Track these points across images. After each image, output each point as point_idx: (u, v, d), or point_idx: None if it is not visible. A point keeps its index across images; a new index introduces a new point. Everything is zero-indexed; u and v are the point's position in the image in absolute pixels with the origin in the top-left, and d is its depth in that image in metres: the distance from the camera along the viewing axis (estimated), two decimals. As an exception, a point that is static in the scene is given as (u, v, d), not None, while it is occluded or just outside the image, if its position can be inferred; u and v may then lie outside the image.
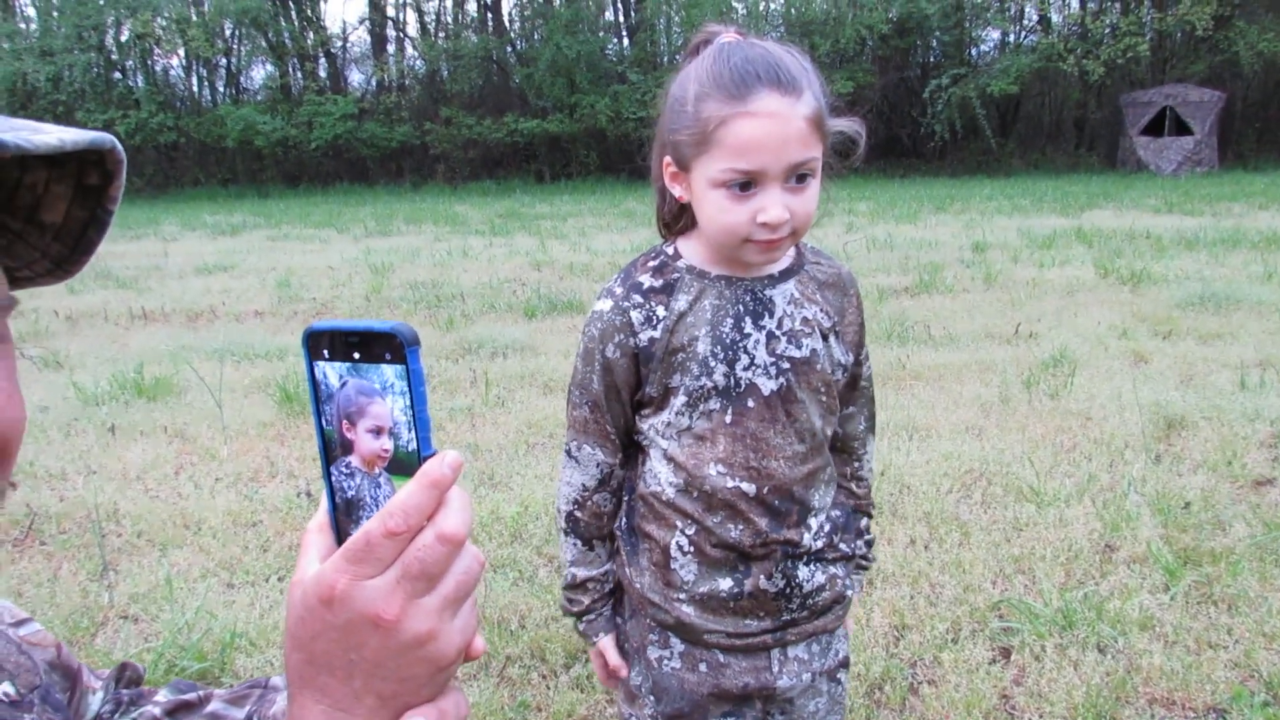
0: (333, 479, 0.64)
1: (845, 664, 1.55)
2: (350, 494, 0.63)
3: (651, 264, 1.39)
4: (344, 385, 0.61)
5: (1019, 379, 4.98)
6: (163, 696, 0.93)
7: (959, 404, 4.67)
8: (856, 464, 1.53)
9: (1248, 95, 27.65)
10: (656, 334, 1.33)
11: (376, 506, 0.62)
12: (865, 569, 1.54)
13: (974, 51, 29.63)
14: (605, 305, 1.36)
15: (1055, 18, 29.01)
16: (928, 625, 2.65)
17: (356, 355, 0.60)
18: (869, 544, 1.54)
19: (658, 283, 1.36)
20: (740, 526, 1.36)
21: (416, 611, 0.59)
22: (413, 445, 0.61)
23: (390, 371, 0.59)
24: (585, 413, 1.39)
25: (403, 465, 0.61)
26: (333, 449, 0.63)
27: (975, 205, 15.65)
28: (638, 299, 1.35)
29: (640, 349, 1.33)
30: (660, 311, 1.34)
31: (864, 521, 1.54)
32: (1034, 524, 3.26)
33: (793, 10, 26.76)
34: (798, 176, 1.24)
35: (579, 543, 1.47)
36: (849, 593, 1.51)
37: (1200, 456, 3.83)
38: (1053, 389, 4.77)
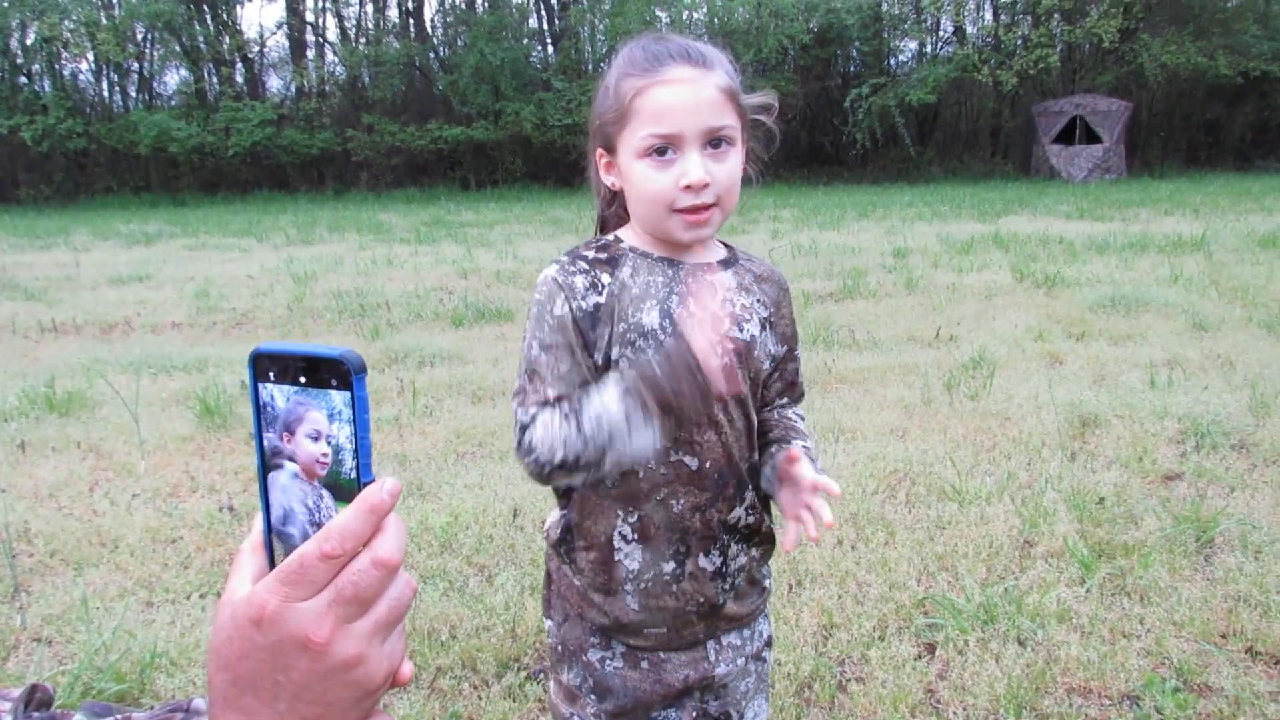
0: (270, 497, 0.63)
1: (769, 643, 1.59)
2: (285, 503, 0.63)
3: (595, 244, 1.40)
4: (288, 405, 0.61)
5: (940, 381, 5.10)
6: None
7: (883, 406, 4.76)
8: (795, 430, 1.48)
9: (1152, 105, 28.77)
10: (601, 299, 1.32)
11: (311, 519, 0.61)
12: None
13: (893, 61, 30.34)
14: (551, 270, 1.34)
15: (970, 29, 29.84)
16: (855, 624, 2.70)
17: (303, 379, 0.60)
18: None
19: (602, 256, 1.37)
20: (682, 501, 1.37)
21: (347, 635, 0.59)
22: (354, 472, 0.61)
23: (337, 398, 0.59)
24: (524, 382, 1.33)
25: (343, 491, 0.61)
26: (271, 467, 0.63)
27: (896, 212, 15.98)
28: (583, 266, 1.35)
29: (585, 312, 1.32)
30: (605, 279, 1.34)
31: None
32: (956, 522, 3.34)
33: (715, 20, 27.04)
34: (714, 142, 1.28)
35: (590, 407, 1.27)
36: (766, 582, 1.54)
37: (1113, 453, 3.96)
38: (972, 390, 4.89)
